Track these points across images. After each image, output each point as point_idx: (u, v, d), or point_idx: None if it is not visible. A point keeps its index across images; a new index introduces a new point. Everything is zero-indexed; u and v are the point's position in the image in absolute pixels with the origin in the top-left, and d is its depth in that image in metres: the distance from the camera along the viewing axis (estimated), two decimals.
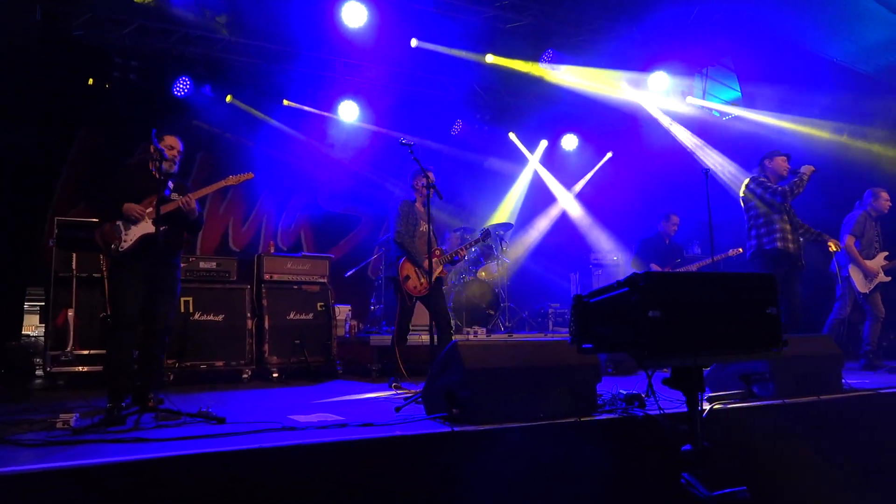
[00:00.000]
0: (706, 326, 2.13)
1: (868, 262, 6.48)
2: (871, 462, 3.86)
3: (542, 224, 10.98)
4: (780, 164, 5.96)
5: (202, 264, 6.29)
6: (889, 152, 8.24)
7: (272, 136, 8.87)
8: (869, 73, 9.07)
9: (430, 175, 5.10)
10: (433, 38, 8.32)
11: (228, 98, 8.37)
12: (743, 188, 6.04)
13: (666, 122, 9.97)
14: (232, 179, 4.40)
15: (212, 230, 8.71)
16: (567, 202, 11.10)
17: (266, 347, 6.25)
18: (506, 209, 10.79)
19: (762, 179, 5.95)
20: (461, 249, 5.82)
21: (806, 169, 5.76)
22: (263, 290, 6.44)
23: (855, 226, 6.63)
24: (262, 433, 2.96)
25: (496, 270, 8.53)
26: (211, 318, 6.07)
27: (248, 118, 8.65)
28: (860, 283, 6.46)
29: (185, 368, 5.84)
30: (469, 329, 7.37)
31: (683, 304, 2.11)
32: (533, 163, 10.98)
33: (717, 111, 10.23)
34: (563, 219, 11.03)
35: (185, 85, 8.06)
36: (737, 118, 9.97)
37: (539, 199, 11.12)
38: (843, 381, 4.26)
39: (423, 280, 5.43)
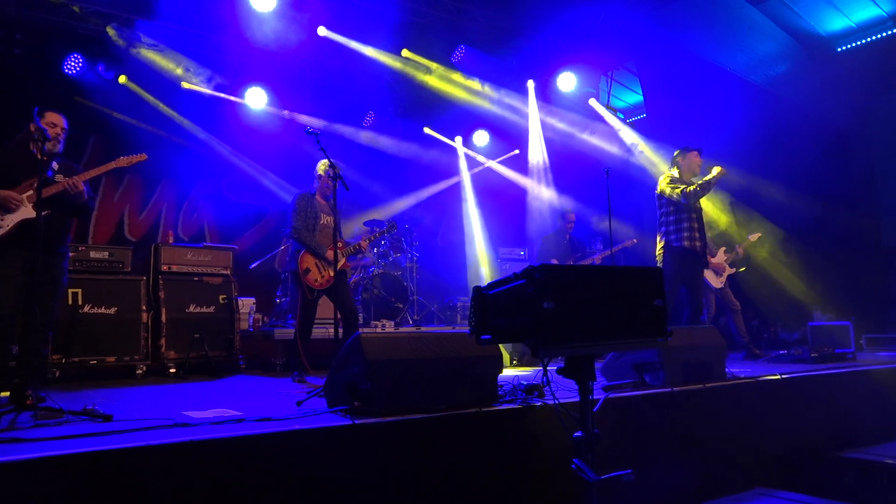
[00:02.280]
0: (597, 317, 2.22)
1: (712, 260, 6.98)
2: (751, 444, 4.14)
3: (454, 218, 11.09)
4: (693, 159, 6.00)
5: (93, 254, 5.93)
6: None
7: (174, 120, 8.47)
8: (758, 84, 9.71)
9: (337, 167, 5.03)
10: (344, 26, 8.22)
11: (122, 79, 7.91)
12: (658, 183, 6.15)
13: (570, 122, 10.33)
14: (123, 160, 4.17)
15: (106, 218, 8.24)
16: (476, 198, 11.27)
17: (163, 342, 5.98)
18: (418, 203, 10.81)
19: (674, 177, 6.08)
20: (363, 241, 5.79)
21: (715, 170, 5.76)
22: (161, 282, 6.15)
23: None
24: (151, 430, 2.82)
25: (406, 264, 8.55)
26: (102, 310, 5.74)
27: (144, 103, 8.22)
28: (714, 281, 6.98)
29: (72, 364, 5.49)
30: (377, 322, 7.34)
31: (577, 296, 2.19)
32: (460, 150, 11.09)
33: (620, 113, 10.68)
34: (473, 214, 11.17)
35: (78, 62, 7.56)
36: (639, 119, 10.47)
37: (452, 192, 11.24)
38: (727, 369, 4.55)
39: (324, 273, 5.37)
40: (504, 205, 11.12)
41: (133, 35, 7.68)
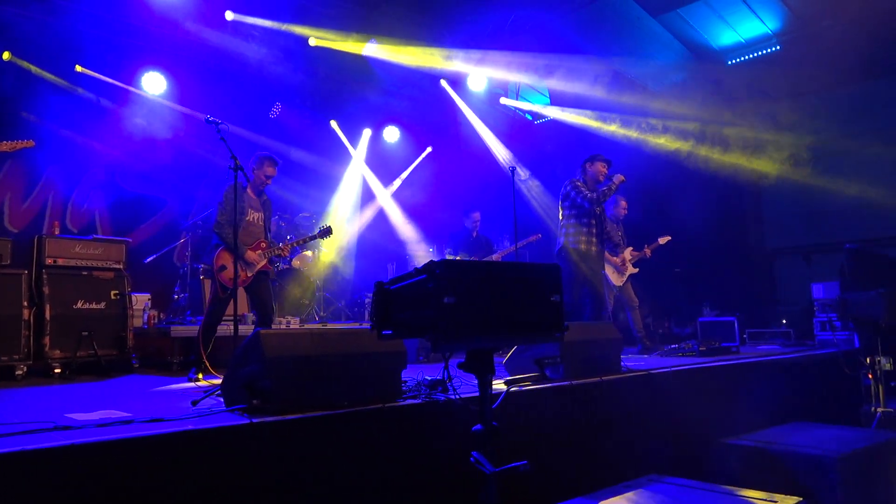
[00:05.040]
0: (496, 312, 2.25)
1: (616, 259, 7.32)
2: (645, 433, 4.34)
3: (363, 214, 10.97)
4: (599, 168, 6.32)
5: None
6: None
7: (62, 103, 7.91)
8: (658, 92, 10.20)
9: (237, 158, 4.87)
10: (252, 13, 7.97)
11: (6, 55, 7.30)
12: (564, 187, 6.42)
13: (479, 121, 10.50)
14: (6, 145, 3.87)
15: None
16: (386, 195, 11.20)
17: (47, 340, 5.58)
18: (325, 198, 10.62)
19: (578, 183, 6.32)
20: (284, 246, 5.66)
21: (616, 178, 6.19)
22: (45, 276, 5.73)
23: None
24: (28, 434, 2.62)
25: (312, 260, 8.40)
26: None
27: (32, 81, 7.63)
28: (614, 278, 7.31)
29: None
30: (282, 319, 7.16)
31: (476, 291, 2.21)
32: (357, 158, 10.89)
33: (529, 114, 10.95)
34: (382, 210, 11.11)
35: None
36: (547, 122, 10.78)
37: (360, 189, 11.11)
38: (623, 363, 4.75)
39: (241, 272, 5.21)
40: (414, 201, 11.12)
41: (15, 9, 7.11)
